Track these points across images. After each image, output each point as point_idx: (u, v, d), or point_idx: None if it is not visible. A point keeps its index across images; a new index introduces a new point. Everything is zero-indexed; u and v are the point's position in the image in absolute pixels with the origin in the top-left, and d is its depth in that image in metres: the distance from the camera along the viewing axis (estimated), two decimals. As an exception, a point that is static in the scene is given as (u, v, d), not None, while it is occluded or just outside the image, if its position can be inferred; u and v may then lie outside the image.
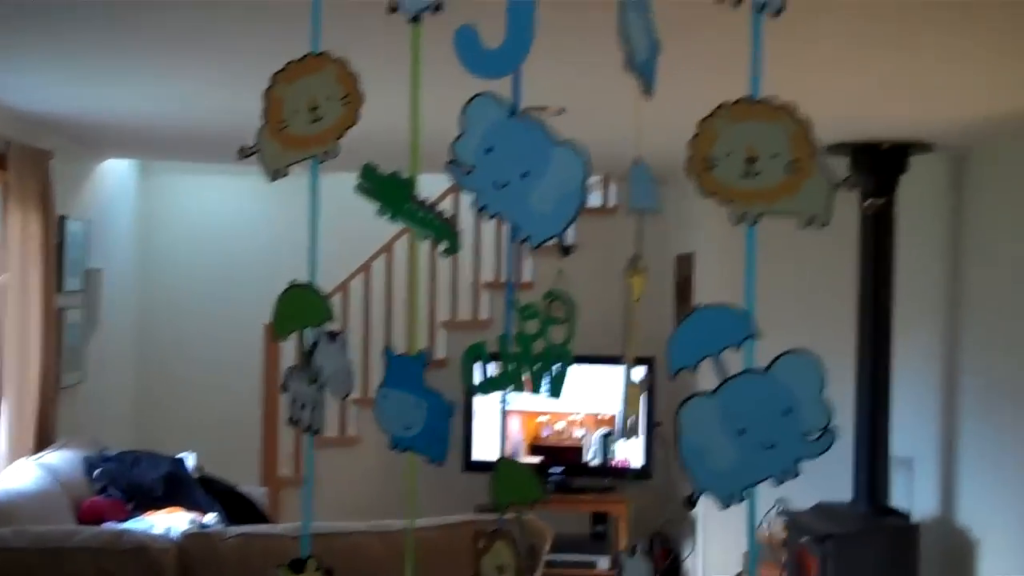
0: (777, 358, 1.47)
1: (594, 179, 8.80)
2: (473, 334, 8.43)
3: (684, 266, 8.15)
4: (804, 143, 1.48)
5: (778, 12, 1.47)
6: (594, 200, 8.83)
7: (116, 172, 8.29)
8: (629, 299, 1.65)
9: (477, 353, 1.60)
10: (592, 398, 7.70)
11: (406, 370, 1.61)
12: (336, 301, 8.29)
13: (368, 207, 1.60)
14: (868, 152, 6.22)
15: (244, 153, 1.69)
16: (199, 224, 9.28)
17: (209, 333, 9.15)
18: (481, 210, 1.53)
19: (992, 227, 6.08)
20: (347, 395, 1.68)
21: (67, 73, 4.95)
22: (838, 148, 6.24)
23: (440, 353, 8.59)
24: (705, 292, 7.71)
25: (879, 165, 6.27)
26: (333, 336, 1.67)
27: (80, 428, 6.85)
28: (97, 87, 5.31)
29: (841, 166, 6.28)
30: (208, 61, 4.52)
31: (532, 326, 1.54)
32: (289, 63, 1.65)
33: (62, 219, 6.77)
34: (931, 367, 6.59)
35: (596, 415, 7.86)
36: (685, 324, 1.50)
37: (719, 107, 1.49)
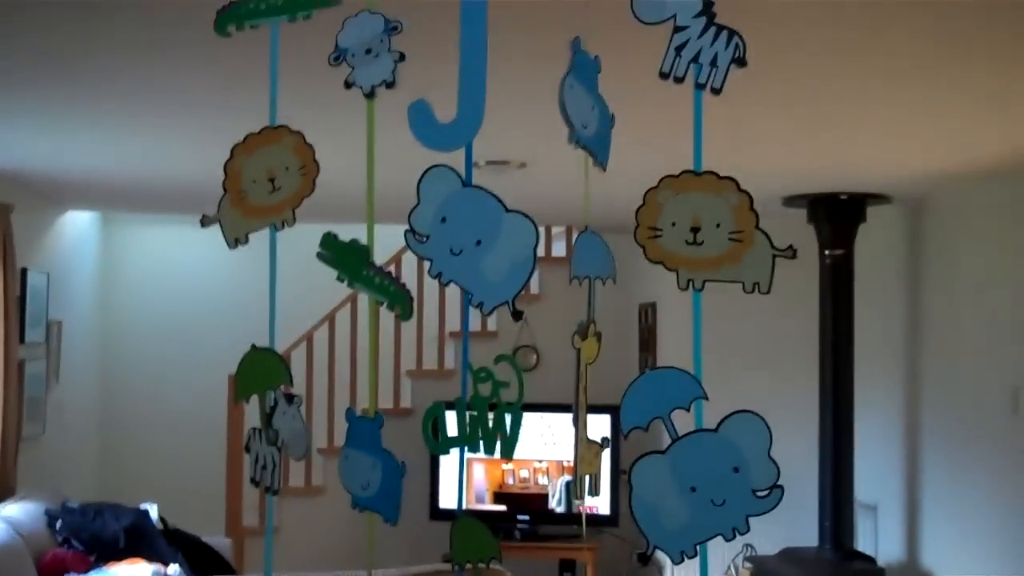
0: (725, 418, 1.53)
1: (558, 230, 8.87)
2: (438, 383, 8.46)
3: (648, 315, 8.22)
4: (746, 214, 1.54)
5: (718, 91, 1.54)
6: (558, 250, 8.90)
7: (78, 223, 8.29)
8: (581, 365, 1.70)
9: (435, 414, 1.65)
10: (556, 446, 7.72)
11: (365, 430, 1.65)
12: (301, 351, 8.31)
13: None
14: (826, 203, 6.30)
15: (206, 223, 1.73)
16: (162, 275, 9.27)
17: (172, 383, 9.12)
18: (436, 277, 1.58)
19: (949, 276, 6.18)
20: (303, 457, 1.72)
21: (26, 126, 4.96)
22: (796, 199, 6.32)
23: (406, 402, 8.61)
24: (668, 342, 7.77)
25: (837, 216, 6.35)
26: (290, 399, 1.71)
27: (42, 480, 6.80)
28: (57, 140, 5.32)
29: (799, 217, 6.35)
30: (168, 114, 4.55)
31: (485, 389, 1.59)
32: (248, 135, 1.70)
33: (23, 271, 6.76)
34: (893, 414, 6.66)
35: (561, 462, 7.88)
36: (636, 386, 1.55)
37: (663, 179, 1.55)
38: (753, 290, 1.53)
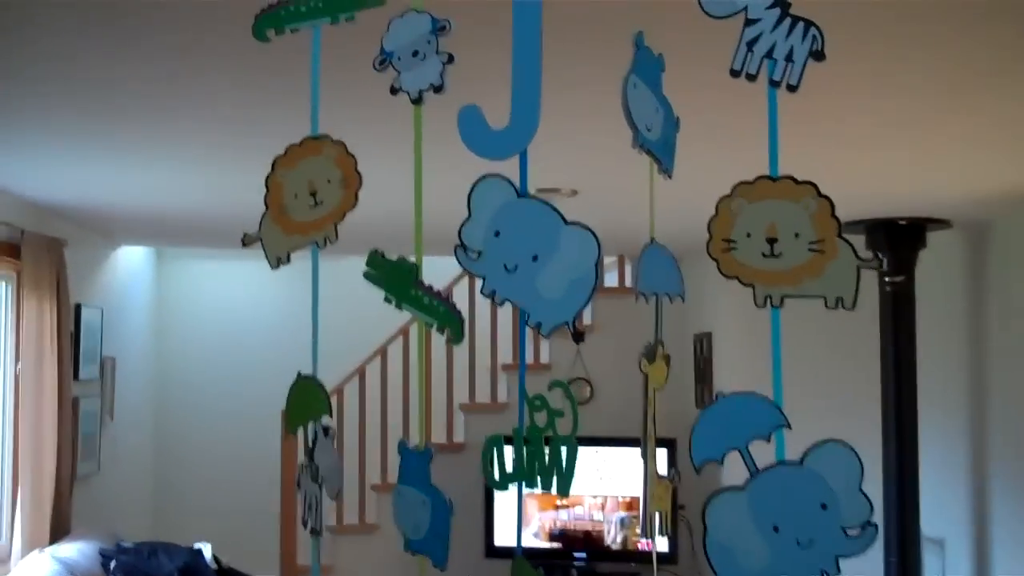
0: (810, 449, 1.39)
1: (610, 259, 8.75)
2: (491, 417, 8.32)
3: (703, 345, 8.05)
4: (827, 222, 1.41)
5: (794, 87, 1.41)
6: (610, 280, 8.78)
7: (131, 259, 8.28)
8: (649, 391, 1.57)
9: (495, 445, 1.52)
10: (612, 480, 7.56)
11: (414, 464, 1.53)
12: (354, 385, 8.22)
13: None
14: (885, 229, 6.13)
15: (247, 241, 1.63)
16: (215, 310, 9.24)
17: (226, 420, 9.07)
18: (490, 295, 1.46)
19: (1014, 303, 5.98)
20: (337, 494, 1.60)
21: (79, 162, 4.95)
22: (854, 225, 6.17)
23: (459, 437, 8.48)
24: (725, 372, 7.61)
25: (897, 242, 6.18)
26: (327, 431, 1.60)
27: (96, 518, 6.75)
28: (109, 175, 5.30)
29: (857, 243, 6.19)
30: (219, 146, 4.50)
31: (542, 418, 1.46)
32: (289, 147, 1.59)
33: (77, 307, 6.75)
34: (959, 444, 6.44)
35: (617, 498, 7.71)
36: (707, 414, 1.42)
37: (737, 186, 1.43)
38: (837, 306, 1.39)
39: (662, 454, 7.14)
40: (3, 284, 6.04)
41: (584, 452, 7.22)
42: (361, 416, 8.16)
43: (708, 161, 4.39)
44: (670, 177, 1.52)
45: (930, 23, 2.90)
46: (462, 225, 1.46)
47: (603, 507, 7.74)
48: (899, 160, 4.69)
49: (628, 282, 8.74)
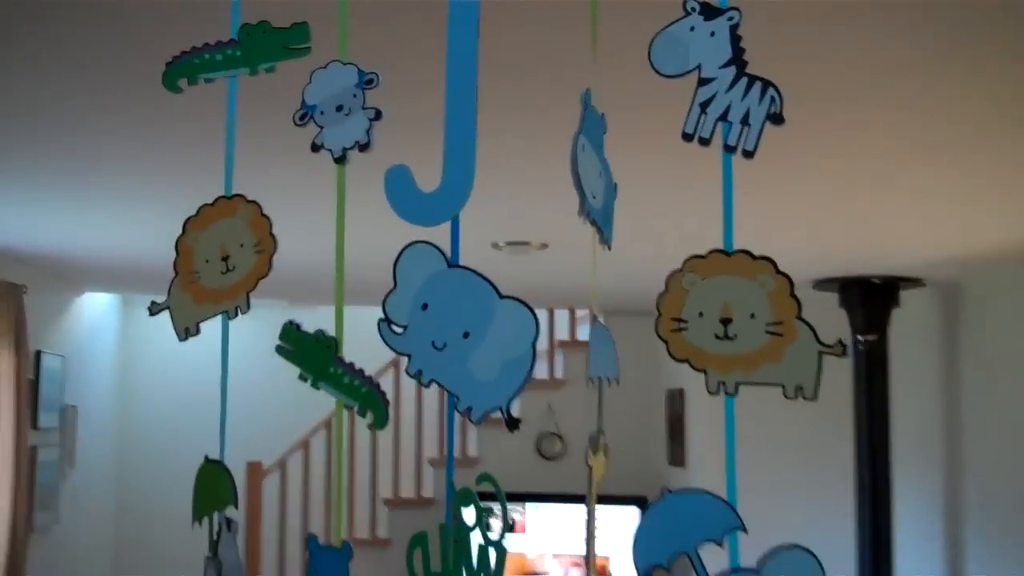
0: (769, 554, 1.25)
1: (582, 312, 8.66)
2: (416, 512, 8.15)
3: (676, 401, 7.93)
4: (785, 301, 1.28)
5: (750, 153, 1.29)
6: (583, 334, 8.67)
7: (95, 305, 8.11)
8: (590, 484, 1.43)
9: (418, 544, 1.38)
10: (575, 538, 7.43)
11: (330, 565, 1.38)
12: (275, 479, 8.07)
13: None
14: (858, 287, 6.07)
15: (153, 310, 1.50)
16: (181, 358, 9.03)
17: (190, 471, 8.79)
18: (416, 375, 1.32)
19: (989, 362, 5.88)
20: None
21: (39, 206, 4.81)
22: (827, 283, 6.10)
23: (382, 532, 8.29)
24: (697, 430, 7.48)
25: (870, 300, 6.11)
26: (230, 525, 1.45)
27: (54, 571, 6.56)
28: (73, 220, 5.16)
29: (830, 301, 6.14)
30: (186, 194, 4.38)
31: (470, 514, 1.32)
32: (202, 207, 1.46)
33: (38, 354, 6.60)
34: (934, 513, 6.32)
35: (576, 556, 7.57)
36: (653, 513, 1.28)
37: (688, 260, 1.30)
38: (796, 395, 1.26)
39: (632, 512, 6.98)
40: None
41: (555, 509, 7.06)
42: (281, 508, 8.05)
43: (683, 213, 4.31)
44: (610, 248, 1.40)
45: (901, 80, 2.82)
46: (386, 297, 1.33)
47: (575, 565, 7.58)
48: (870, 218, 4.61)
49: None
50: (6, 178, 4.27)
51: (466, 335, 1.30)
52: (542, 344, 8.62)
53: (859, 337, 6.14)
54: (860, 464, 6.11)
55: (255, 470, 7.79)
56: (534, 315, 1.30)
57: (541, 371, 8.99)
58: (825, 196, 4.21)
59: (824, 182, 3.98)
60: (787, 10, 2.36)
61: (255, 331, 7.89)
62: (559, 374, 8.44)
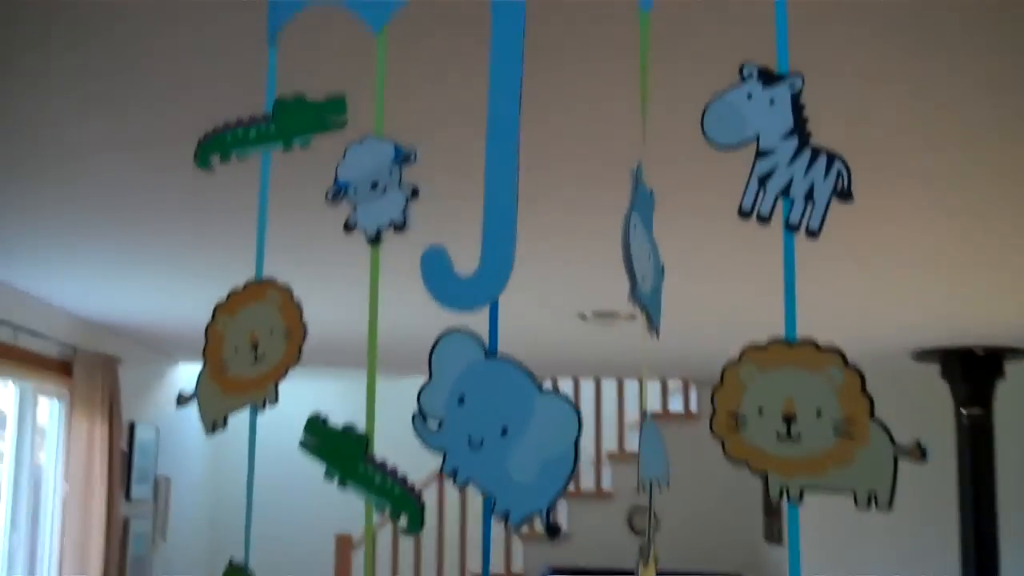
0: None
1: (674, 383, 8.53)
2: None
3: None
4: (856, 398, 1.15)
5: (815, 233, 1.17)
6: (675, 405, 8.57)
7: (189, 376, 8.16)
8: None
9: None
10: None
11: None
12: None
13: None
14: (960, 358, 5.84)
15: (181, 402, 1.42)
16: (272, 430, 9.02)
17: (282, 542, 8.82)
18: (451, 475, 1.22)
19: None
20: None
21: (134, 279, 4.87)
22: (927, 354, 5.90)
23: None
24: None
25: (973, 372, 5.87)
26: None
27: (146, 644, 6.54)
28: (166, 293, 5.20)
29: (932, 374, 5.93)
30: (281, 267, 4.39)
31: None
32: (232, 292, 1.38)
33: (131, 425, 6.65)
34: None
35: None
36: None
37: (745, 351, 1.18)
38: (869, 503, 1.13)
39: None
40: (56, 403, 5.97)
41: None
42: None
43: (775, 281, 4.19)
44: (658, 336, 1.28)
45: (1005, 147, 2.70)
46: (421, 389, 1.23)
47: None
48: (972, 289, 4.44)
49: (694, 406, 8.49)
50: (102, 254, 4.33)
51: (504, 432, 1.20)
52: (632, 415, 8.47)
53: (963, 410, 5.91)
54: (965, 544, 5.85)
55: (344, 543, 7.72)
56: (576, 411, 1.19)
57: (633, 443, 8.82)
58: (924, 267, 4.07)
59: (922, 254, 3.84)
60: (872, 87, 2.25)
61: (344, 396, 7.89)
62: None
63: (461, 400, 1.22)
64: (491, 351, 1.23)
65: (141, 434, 6.90)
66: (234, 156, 1.39)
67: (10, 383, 5.54)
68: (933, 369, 5.96)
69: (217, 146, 1.39)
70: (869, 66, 2.25)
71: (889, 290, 4.52)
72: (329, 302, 4.97)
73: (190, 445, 8.23)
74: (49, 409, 5.95)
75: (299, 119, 1.35)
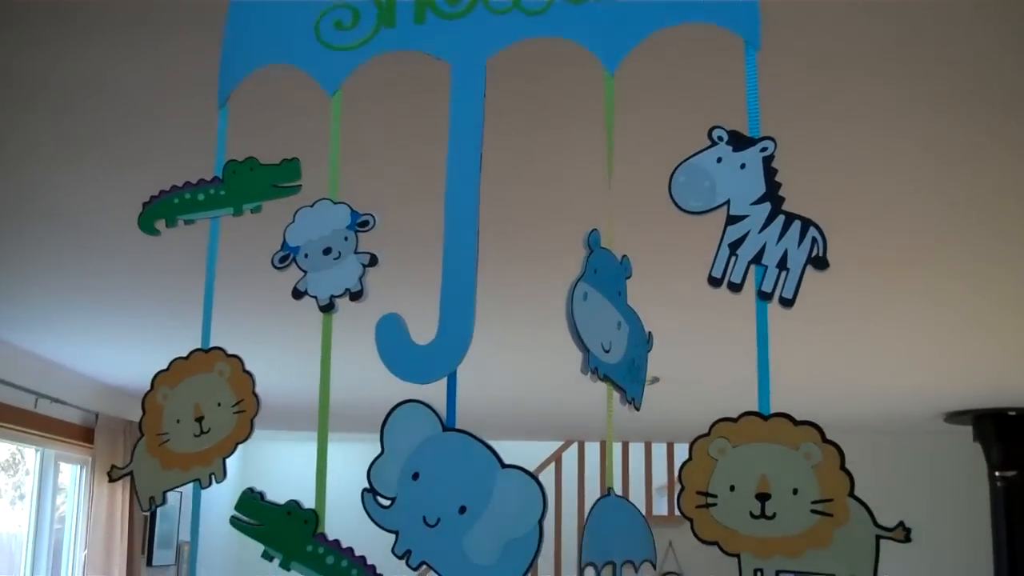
0: None
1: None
2: None
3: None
4: (835, 476, 1.08)
5: (789, 302, 1.11)
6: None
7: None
8: None
9: None
10: None
11: None
12: None
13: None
14: (994, 420, 5.71)
15: (114, 475, 1.34)
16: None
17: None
18: (403, 556, 1.15)
19: None
20: None
21: (156, 345, 4.85)
22: (959, 416, 5.78)
23: None
24: None
25: (1008, 433, 5.73)
26: None
27: None
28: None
29: (964, 435, 5.81)
30: (305, 335, 4.37)
31: None
32: (173, 361, 1.32)
33: (154, 491, 6.60)
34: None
35: None
36: None
37: (716, 424, 1.11)
38: (848, 589, 1.05)
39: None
40: (78, 469, 5.96)
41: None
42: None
43: (821, 343, 4.13)
44: (638, 409, 1.21)
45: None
46: (372, 463, 1.17)
47: None
48: (1005, 348, 4.34)
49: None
50: (125, 320, 4.34)
51: (462, 510, 1.13)
52: (661, 478, 8.31)
53: (996, 473, 5.77)
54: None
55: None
56: (541, 488, 1.12)
57: (661, 507, 8.64)
58: (954, 328, 3.98)
59: (952, 315, 3.77)
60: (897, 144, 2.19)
61: (354, 461, 7.79)
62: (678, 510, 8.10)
63: (416, 476, 1.15)
64: (448, 424, 1.16)
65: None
66: (181, 221, 1.34)
67: (32, 450, 5.52)
68: (966, 431, 5.84)
69: (163, 210, 1.34)
70: (898, 123, 2.21)
71: (919, 351, 4.44)
72: (340, 368, 4.95)
73: (215, 510, 8.12)
74: (71, 475, 5.93)
75: (251, 183, 1.30)
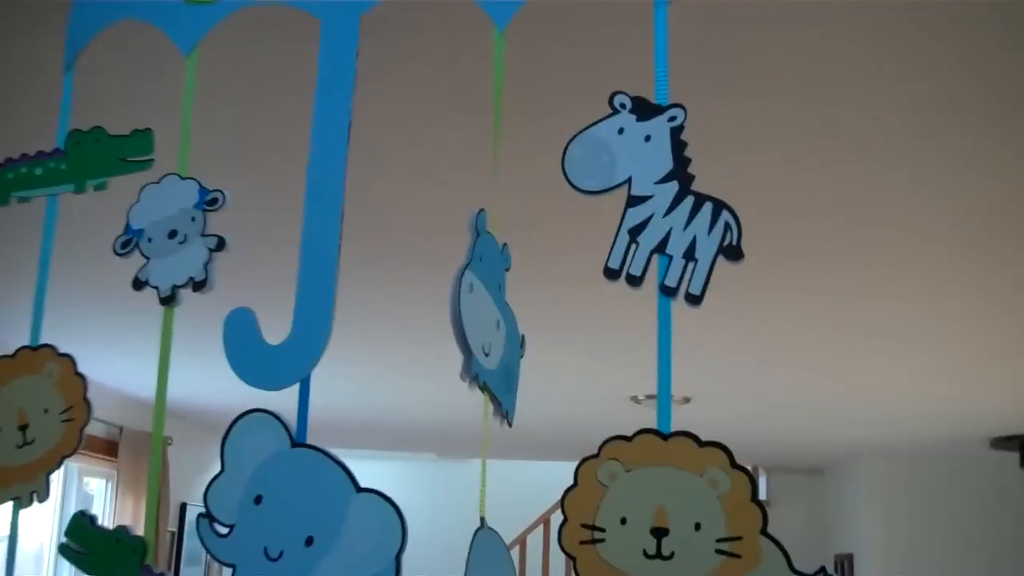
0: None
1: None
2: None
3: (844, 568, 7.30)
4: (745, 509, 0.90)
5: (696, 298, 0.93)
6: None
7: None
8: None
9: None
10: None
11: None
12: None
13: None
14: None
15: None
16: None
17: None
18: (241, 595, 0.97)
19: None
20: None
21: (184, 357, 4.72)
22: (1006, 441, 5.57)
23: None
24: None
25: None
26: None
27: None
28: (218, 370, 5.04)
29: (1011, 461, 5.58)
30: (349, 347, 4.24)
31: None
32: None
33: (182, 506, 6.52)
34: None
35: None
36: None
37: (606, 443, 0.93)
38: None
39: None
40: (103, 483, 5.89)
41: None
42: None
43: (850, 364, 3.96)
44: (511, 425, 1.03)
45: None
46: (210, 484, 0.99)
47: None
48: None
49: (763, 496, 8.11)
50: (152, 332, 4.19)
51: (309, 541, 0.96)
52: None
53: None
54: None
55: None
56: (400, 516, 0.95)
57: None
58: (1000, 348, 3.80)
59: (999, 333, 3.59)
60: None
61: (406, 482, 7.64)
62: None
63: (258, 500, 0.98)
64: (298, 438, 0.99)
65: (192, 515, 6.76)
66: (13, 198, 1.17)
67: (55, 464, 5.45)
68: (1012, 458, 5.62)
69: (-8, 186, 1.17)
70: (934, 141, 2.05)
71: (962, 372, 4.28)
72: (387, 384, 4.83)
73: None
74: (96, 489, 5.87)
75: (97, 156, 1.13)
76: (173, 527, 6.42)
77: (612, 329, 3.65)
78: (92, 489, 5.82)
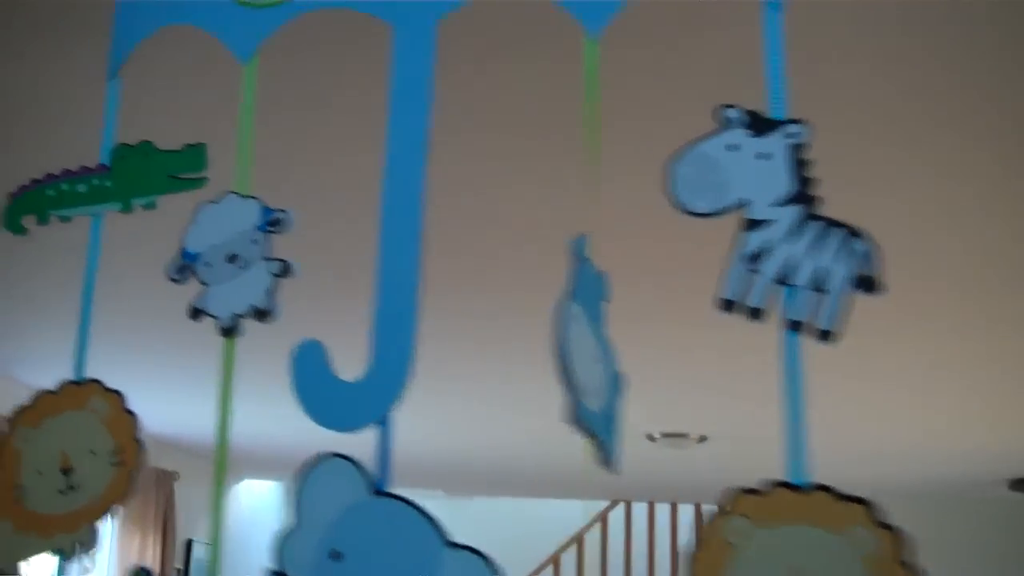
0: None
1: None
2: None
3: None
4: (892, 572, 0.81)
5: (828, 335, 0.84)
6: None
7: (254, 493, 7.83)
8: None
9: None
10: None
11: None
12: None
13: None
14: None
15: None
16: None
17: None
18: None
19: None
20: None
21: (193, 392, 4.62)
22: (1024, 483, 5.56)
23: None
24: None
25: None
26: None
27: None
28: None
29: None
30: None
31: None
32: (40, 394, 1.04)
33: (188, 543, 6.37)
34: None
35: None
36: None
37: (738, 496, 0.84)
38: None
39: None
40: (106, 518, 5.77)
41: None
42: None
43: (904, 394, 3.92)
44: (617, 473, 0.94)
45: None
46: (283, 537, 0.90)
47: None
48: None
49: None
50: (159, 366, 4.17)
51: (399, 599, 0.86)
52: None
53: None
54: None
55: None
56: (495, 571, 0.85)
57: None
58: (1022, 385, 3.75)
59: (1016, 371, 3.54)
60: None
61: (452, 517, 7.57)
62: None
63: (336, 555, 0.88)
64: (379, 487, 0.89)
65: (199, 552, 6.60)
66: (55, 217, 1.07)
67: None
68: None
69: (32, 204, 1.07)
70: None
71: (979, 411, 4.24)
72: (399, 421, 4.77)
73: (254, 565, 7.84)
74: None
75: (144, 173, 1.03)
76: (179, 564, 6.27)
77: (624, 365, 3.57)
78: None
